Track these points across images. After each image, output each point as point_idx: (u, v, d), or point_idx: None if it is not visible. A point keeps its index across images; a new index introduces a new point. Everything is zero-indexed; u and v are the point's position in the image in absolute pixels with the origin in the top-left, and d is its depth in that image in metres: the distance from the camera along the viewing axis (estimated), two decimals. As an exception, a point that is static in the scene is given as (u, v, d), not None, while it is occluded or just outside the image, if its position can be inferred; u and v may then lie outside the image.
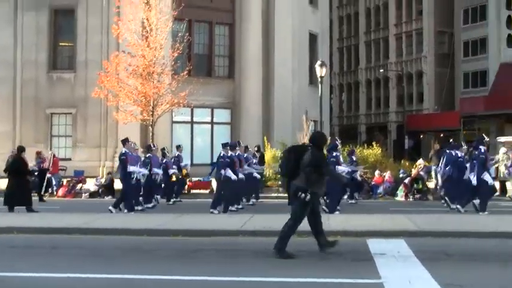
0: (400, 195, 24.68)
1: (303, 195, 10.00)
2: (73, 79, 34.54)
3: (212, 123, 36.93)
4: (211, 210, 17.51)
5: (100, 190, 26.45)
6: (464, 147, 19.33)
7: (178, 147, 24.49)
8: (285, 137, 30.39)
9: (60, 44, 35.66)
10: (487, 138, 18.20)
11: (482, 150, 16.84)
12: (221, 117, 37.17)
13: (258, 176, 22.12)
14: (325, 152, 16.27)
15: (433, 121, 53.21)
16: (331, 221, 14.24)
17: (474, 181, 17.11)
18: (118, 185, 26.32)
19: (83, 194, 26.46)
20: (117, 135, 32.62)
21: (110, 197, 25.74)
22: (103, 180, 27.40)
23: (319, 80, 29.82)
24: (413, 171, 25.50)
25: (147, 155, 19.77)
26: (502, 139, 31.20)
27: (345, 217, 15.47)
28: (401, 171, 26.48)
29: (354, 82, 66.34)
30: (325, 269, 9.30)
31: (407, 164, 31.12)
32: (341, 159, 19.01)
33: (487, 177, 17.09)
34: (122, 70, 27.58)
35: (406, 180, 24.91)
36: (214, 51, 37.32)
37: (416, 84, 58.52)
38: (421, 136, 54.46)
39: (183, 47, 28.70)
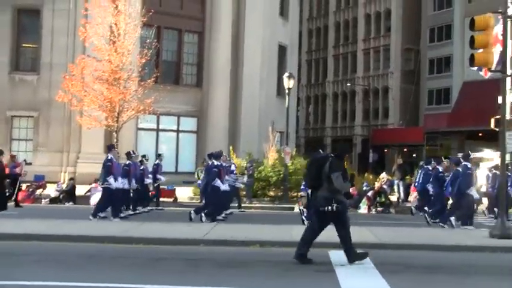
0: (363, 207, 24.85)
1: (328, 208, 10.26)
2: (36, 81, 33.88)
3: (178, 131, 36.67)
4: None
5: (61, 196, 26.03)
6: (445, 162, 19.65)
7: (159, 155, 24.19)
8: (251, 147, 30.40)
9: (24, 45, 34.90)
10: (472, 155, 18.39)
11: (469, 166, 17.05)
12: (187, 125, 36.95)
13: (241, 186, 21.91)
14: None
15: (397, 136, 53.83)
16: (295, 232, 14.24)
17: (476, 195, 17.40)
18: (79, 191, 26.07)
19: (43, 200, 25.97)
20: (80, 140, 32.23)
21: (71, 203, 25.39)
22: (64, 186, 26.99)
23: (287, 91, 29.91)
24: (377, 185, 25.72)
25: (127, 163, 19.37)
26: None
27: (302, 229, 15.43)
28: (365, 184, 26.67)
29: (321, 95, 66.77)
30: (287, 279, 9.29)
31: (370, 177, 31.38)
32: None
33: (473, 192, 17.36)
34: (87, 74, 27.23)
35: (369, 193, 25.11)
36: (183, 59, 37.15)
37: (382, 99, 59.18)
38: (385, 150, 55.00)
39: (151, 53, 28.50)
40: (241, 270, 9.98)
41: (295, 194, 26.26)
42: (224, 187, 18.08)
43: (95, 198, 24.54)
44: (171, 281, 8.78)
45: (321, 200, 10.41)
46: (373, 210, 24.61)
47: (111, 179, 17.59)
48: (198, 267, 10.13)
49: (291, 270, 9.98)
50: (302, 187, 18.82)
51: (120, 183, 18.05)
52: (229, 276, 9.35)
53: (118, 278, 8.89)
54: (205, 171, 18.68)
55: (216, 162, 18.17)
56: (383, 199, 24.76)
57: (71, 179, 27.47)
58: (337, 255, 11.14)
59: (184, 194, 27.32)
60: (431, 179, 19.19)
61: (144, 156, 22.16)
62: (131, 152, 20.09)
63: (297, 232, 14.17)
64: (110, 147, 18.43)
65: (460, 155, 20.94)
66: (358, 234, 14.36)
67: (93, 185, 25.72)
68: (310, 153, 20.23)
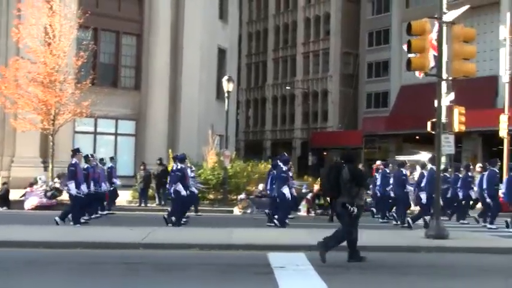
0: (303, 210, 24.97)
1: (352, 208, 10.86)
2: (-32, 84, 32.61)
3: (116, 134, 36.09)
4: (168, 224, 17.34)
5: (-6, 201, 25.16)
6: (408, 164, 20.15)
7: (112, 158, 23.63)
8: (190, 151, 30.12)
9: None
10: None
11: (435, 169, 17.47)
12: (125, 128, 36.38)
13: (196, 191, 21.62)
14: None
15: (336, 139, 54.47)
16: (234, 235, 14.18)
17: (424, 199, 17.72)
18: (14, 195, 25.28)
19: (-26, 205, 25.04)
20: (14, 144, 31.30)
21: (4, 208, 24.60)
22: (-3, 191, 26.11)
23: (226, 94, 29.84)
24: (316, 187, 25.88)
25: (85, 167, 18.80)
26: (400, 158, 32.28)
27: (247, 231, 15.45)
28: (304, 186, 26.81)
29: (260, 98, 67.04)
30: (227, 282, 9.23)
31: (310, 180, 31.59)
32: (290, 174, 18.88)
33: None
34: (21, 76, 26.47)
35: (309, 196, 25.25)
36: (121, 62, 36.58)
37: (322, 103, 59.85)
38: (325, 153, 55.60)
39: (87, 55, 27.93)
40: (181, 273, 9.86)
41: (235, 197, 26.25)
42: (185, 193, 17.82)
43: (30, 203, 23.97)
44: (112, 285, 8.67)
45: (342, 204, 10.95)
46: (313, 212, 24.78)
47: (71, 185, 17.18)
48: (138, 271, 9.96)
49: (230, 273, 9.94)
50: (268, 191, 18.77)
51: (82, 189, 17.59)
52: (169, 280, 9.25)
53: (58, 283, 8.67)
54: (170, 175, 18.46)
55: (180, 166, 17.94)
56: (322, 201, 24.95)
57: (4, 183, 26.61)
58: (277, 258, 11.13)
59: (123, 197, 26.86)
60: (391, 182, 19.59)
61: (101, 160, 21.70)
62: (89, 156, 19.58)
63: (236, 235, 14.14)
64: (74, 151, 17.91)
65: (396, 157, 21.35)
66: (297, 236, 14.47)
67: (28, 189, 25.03)
68: (272, 158, 20.18)
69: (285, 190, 17.78)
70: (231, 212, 24.81)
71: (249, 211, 24.50)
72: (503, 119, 30.44)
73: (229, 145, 33.20)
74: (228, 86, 29.82)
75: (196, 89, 37.34)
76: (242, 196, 25.25)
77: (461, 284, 9.57)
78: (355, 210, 10.93)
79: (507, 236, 15.93)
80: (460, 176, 20.94)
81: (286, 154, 20.19)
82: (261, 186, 25.23)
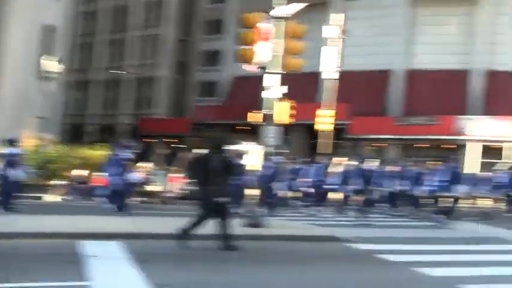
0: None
1: (218, 200, 11.20)
2: None
3: None
4: None
5: None
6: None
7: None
8: (7, 134, 28.24)
9: None
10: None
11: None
12: None
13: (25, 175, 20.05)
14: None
15: (165, 126, 54.24)
16: (46, 222, 13.50)
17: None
18: None
19: None
20: None
21: None
22: None
23: (51, 75, 28.44)
24: (140, 175, 25.48)
25: None
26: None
27: (62, 218, 14.73)
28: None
29: (88, 81, 64.77)
30: (30, 272, 8.63)
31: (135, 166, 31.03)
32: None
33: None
34: None
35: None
36: None
37: (152, 89, 59.20)
38: (152, 140, 55.04)
39: None
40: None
41: (54, 183, 25.01)
42: (24, 175, 16.82)
43: None
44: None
45: (210, 193, 11.22)
46: (138, 199, 24.38)
47: None
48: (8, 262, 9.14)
49: (36, 262, 9.36)
50: (109, 178, 17.87)
51: None
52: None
53: None
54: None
55: (12, 150, 16.75)
56: (145, 189, 24.69)
57: None
58: (91, 246, 10.76)
59: None
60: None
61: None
62: None
63: (48, 222, 13.46)
64: None
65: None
66: (115, 223, 14.07)
67: None
68: (113, 143, 19.30)
69: (132, 176, 18.39)
70: (49, 198, 23.65)
71: (69, 197, 23.57)
72: (320, 113, 32.18)
73: (52, 128, 31.69)
74: (53, 66, 28.46)
75: (19, 67, 35.09)
76: (62, 182, 24.19)
77: (271, 269, 9.88)
78: (223, 199, 11.26)
79: (321, 224, 16.72)
80: (297, 167, 22.01)
81: (128, 140, 19.88)
82: (82, 172, 24.36)
